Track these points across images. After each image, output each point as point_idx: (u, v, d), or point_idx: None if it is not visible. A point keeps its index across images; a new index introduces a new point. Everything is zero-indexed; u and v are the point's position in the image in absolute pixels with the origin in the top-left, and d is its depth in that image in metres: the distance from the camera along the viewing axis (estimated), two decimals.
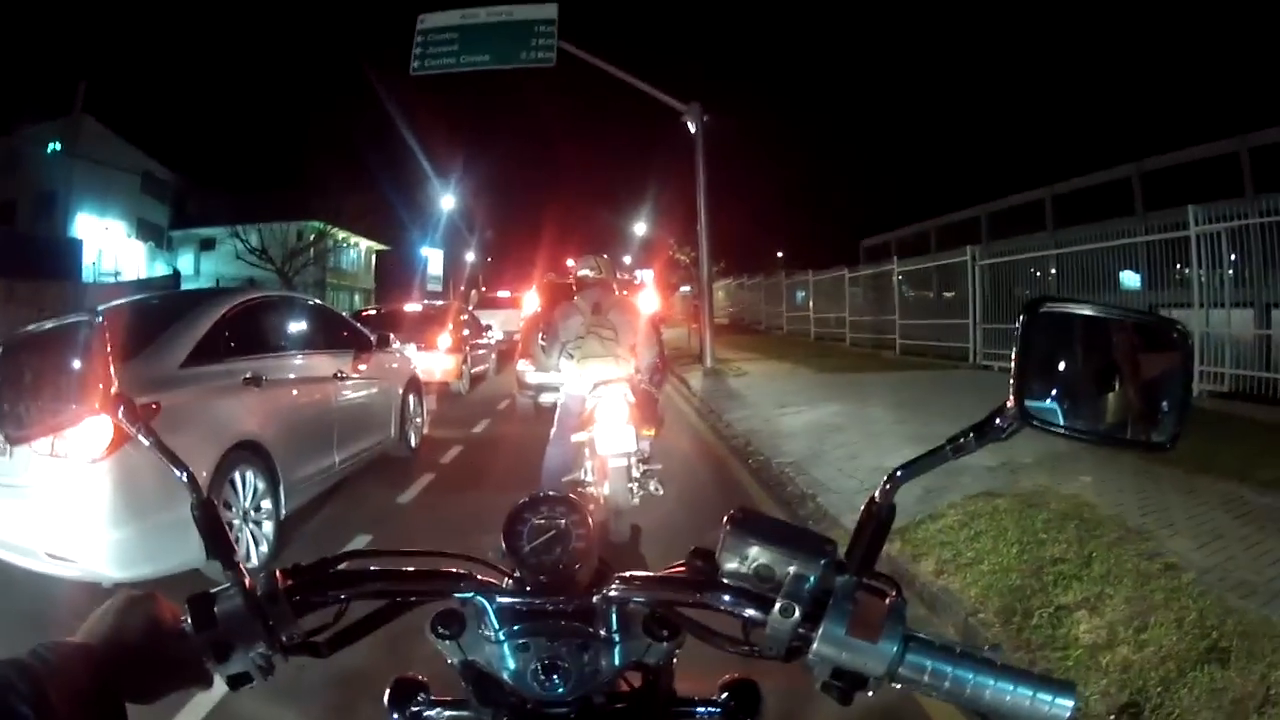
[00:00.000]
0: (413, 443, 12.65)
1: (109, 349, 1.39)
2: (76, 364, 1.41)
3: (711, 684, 1.59)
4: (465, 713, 1.53)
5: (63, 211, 50.44)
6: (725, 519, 1.37)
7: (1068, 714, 1.13)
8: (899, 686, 1.23)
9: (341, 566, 1.45)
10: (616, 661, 1.45)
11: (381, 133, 71.37)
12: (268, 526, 7.55)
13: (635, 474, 8.04)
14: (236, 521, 7.11)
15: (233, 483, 7.04)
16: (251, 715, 4.61)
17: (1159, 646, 5.01)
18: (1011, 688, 1.16)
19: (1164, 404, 1.24)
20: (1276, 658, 4.73)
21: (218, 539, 1.38)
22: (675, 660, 1.52)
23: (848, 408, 15.06)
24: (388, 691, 1.56)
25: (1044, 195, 28.12)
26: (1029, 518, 7.50)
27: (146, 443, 1.37)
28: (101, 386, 1.36)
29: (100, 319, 1.40)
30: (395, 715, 1.54)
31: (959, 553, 6.92)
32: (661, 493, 8.18)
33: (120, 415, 1.36)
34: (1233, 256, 13.62)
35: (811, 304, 36.22)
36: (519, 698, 1.44)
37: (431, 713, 1.55)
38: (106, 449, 5.81)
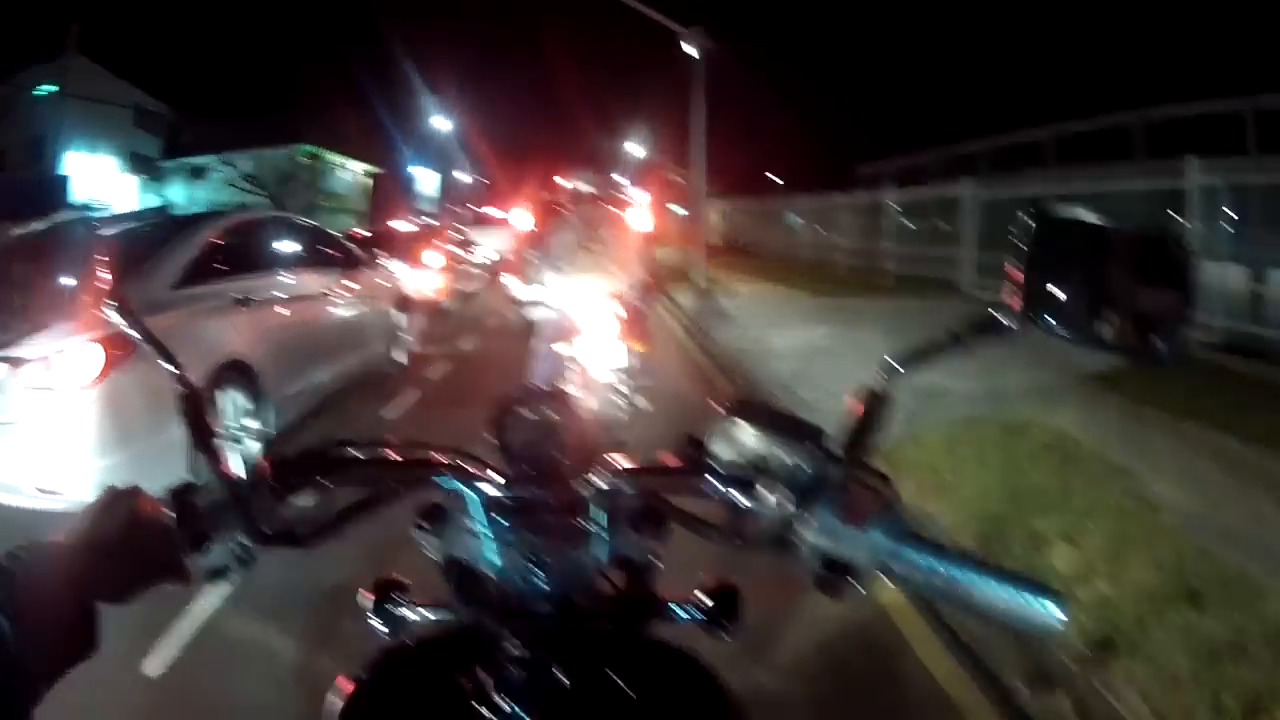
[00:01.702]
0: (401, 360, 12.70)
1: (104, 249, 1.38)
2: (69, 265, 1.40)
3: (691, 591, 1.58)
4: (447, 613, 1.52)
5: (53, 152, 50.48)
6: (717, 404, 1.37)
7: (1062, 622, 1.11)
8: (890, 582, 1.20)
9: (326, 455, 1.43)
10: (601, 556, 1.44)
11: (373, 53, 70.47)
12: (255, 445, 7.48)
13: (623, 389, 8.10)
14: (225, 441, 6.98)
15: (220, 404, 7.08)
16: (238, 634, 4.66)
17: (1136, 584, 4.98)
18: (1005, 589, 1.13)
19: (1165, 318, 1.21)
20: (1254, 609, 4.70)
21: (200, 428, 1.36)
22: (660, 562, 1.50)
23: (837, 331, 15.00)
24: (369, 593, 1.54)
25: (1045, 135, 27.94)
26: (1012, 446, 7.49)
27: (140, 338, 1.38)
28: (96, 286, 1.35)
29: (94, 219, 1.42)
30: (376, 616, 1.52)
31: (939, 476, 6.90)
32: (648, 408, 8.25)
33: (114, 314, 1.35)
34: (1232, 214, 13.51)
35: (805, 228, 35.82)
36: (501, 594, 1.43)
37: (412, 614, 1.53)
38: (95, 377, 5.81)
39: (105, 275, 1.35)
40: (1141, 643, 4.43)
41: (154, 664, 4.41)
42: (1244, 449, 7.60)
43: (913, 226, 26.02)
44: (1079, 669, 4.35)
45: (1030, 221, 1.22)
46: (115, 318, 1.37)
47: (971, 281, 20.58)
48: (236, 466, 1.34)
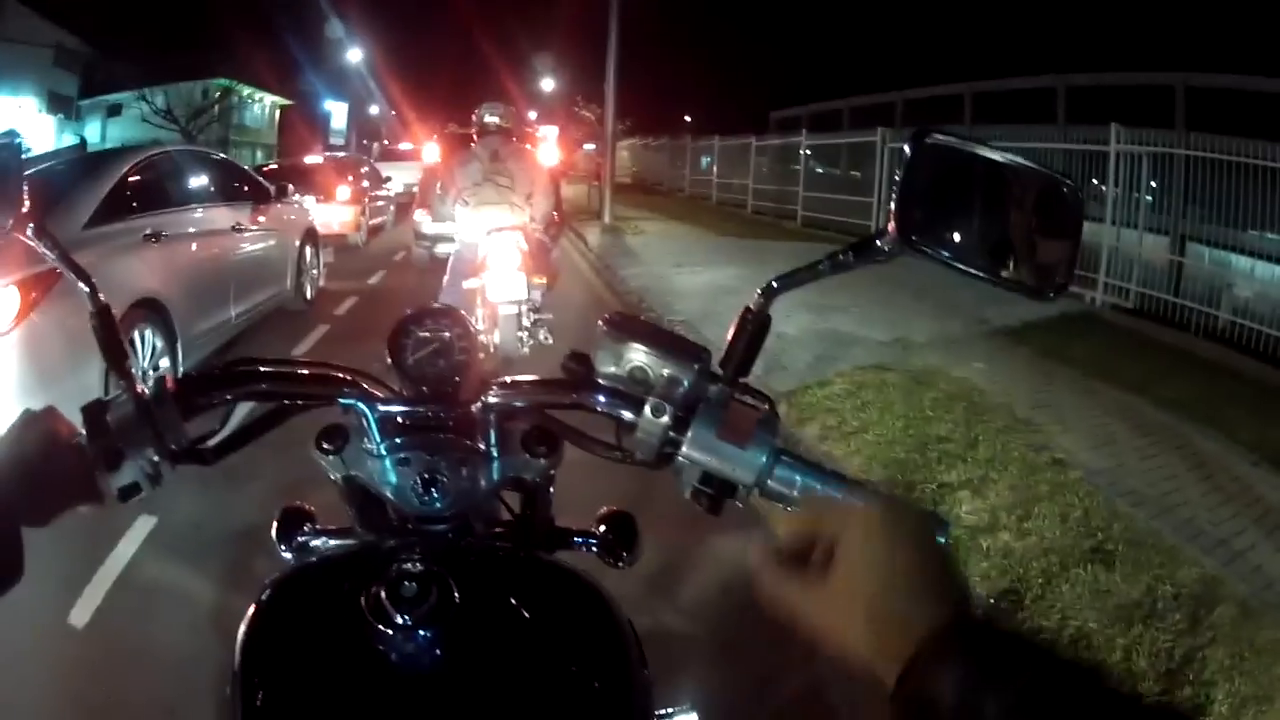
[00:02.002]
0: (308, 295, 12.56)
1: (24, 168, 1.35)
2: None
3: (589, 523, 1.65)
4: (350, 540, 1.57)
5: None
6: (600, 320, 1.38)
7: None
8: (769, 500, 1.22)
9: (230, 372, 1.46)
10: (495, 475, 1.46)
11: None
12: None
13: (526, 323, 8.23)
14: (149, 378, 6.95)
15: (132, 342, 6.81)
16: (158, 576, 4.66)
17: (1042, 538, 4.95)
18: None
19: (1050, 255, 1.22)
20: (1165, 571, 4.65)
21: (112, 347, 1.38)
22: (553, 491, 1.55)
23: (744, 271, 14.92)
24: (275, 522, 1.60)
25: (964, 90, 27.83)
26: (917, 394, 7.45)
27: (53, 256, 1.35)
28: (18, 211, 1.31)
29: (18, 138, 1.38)
30: (282, 545, 1.59)
31: (844, 421, 6.84)
32: (551, 342, 8.34)
33: (31, 233, 1.32)
34: (1153, 184, 13.69)
35: (716, 169, 35.87)
36: (400, 517, 1.47)
37: (317, 541, 1.60)
38: (13, 320, 5.63)
39: (26, 199, 1.31)
40: (1049, 597, 4.37)
41: (80, 614, 4.32)
42: (1156, 412, 7.59)
43: (825, 171, 26.23)
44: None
45: (914, 147, 1.16)
46: (35, 242, 1.33)
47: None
48: (145, 385, 1.33)
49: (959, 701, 0.74)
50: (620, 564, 1.63)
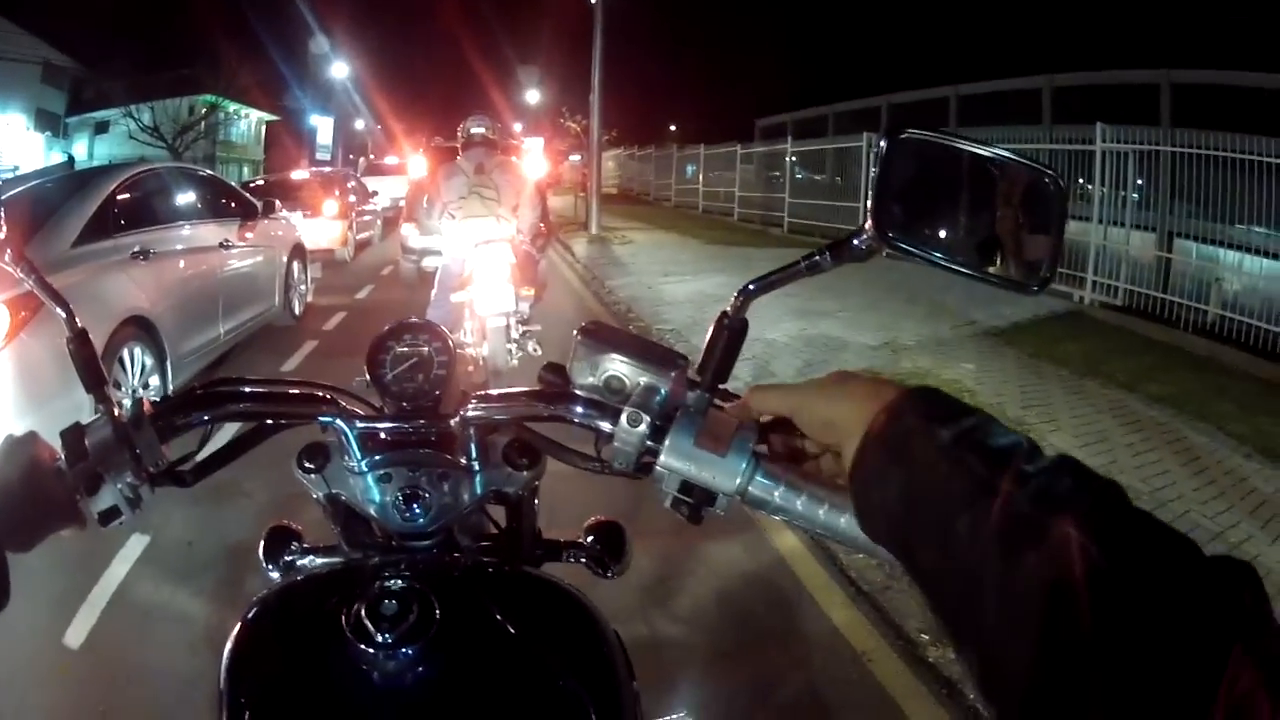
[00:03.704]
0: (297, 311, 12.48)
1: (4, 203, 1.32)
2: None
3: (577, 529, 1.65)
4: (335, 559, 1.58)
5: None
6: (576, 330, 1.34)
7: None
8: (756, 509, 1.16)
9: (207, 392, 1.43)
10: (477, 490, 1.45)
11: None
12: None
13: (514, 334, 8.20)
14: (127, 401, 6.90)
15: (121, 361, 6.81)
16: (150, 596, 4.66)
17: None
18: None
19: (1033, 248, 1.16)
20: None
21: (90, 370, 1.36)
22: (537, 501, 1.55)
23: (732, 279, 14.58)
24: (262, 542, 1.61)
25: (949, 93, 27.88)
26: None
27: (29, 281, 1.33)
28: None
29: None
30: (269, 564, 1.60)
31: None
32: (540, 354, 8.22)
33: (8, 259, 1.31)
34: (1139, 181, 13.76)
35: (702, 178, 36.01)
36: (384, 534, 1.48)
37: (304, 560, 1.61)
38: (4, 339, 5.62)
39: (3, 225, 1.30)
40: None
41: (75, 634, 4.31)
42: (1146, 408, 7.61)
43: (811, 178, 26.40)
44: None
45: (890, 143, 1.12)
46: (10, 267, 1.31)
47: None
48: (123, 408, 1.34)
49: (921, 430, 0.87)
50: (610, 574, 1.63)
